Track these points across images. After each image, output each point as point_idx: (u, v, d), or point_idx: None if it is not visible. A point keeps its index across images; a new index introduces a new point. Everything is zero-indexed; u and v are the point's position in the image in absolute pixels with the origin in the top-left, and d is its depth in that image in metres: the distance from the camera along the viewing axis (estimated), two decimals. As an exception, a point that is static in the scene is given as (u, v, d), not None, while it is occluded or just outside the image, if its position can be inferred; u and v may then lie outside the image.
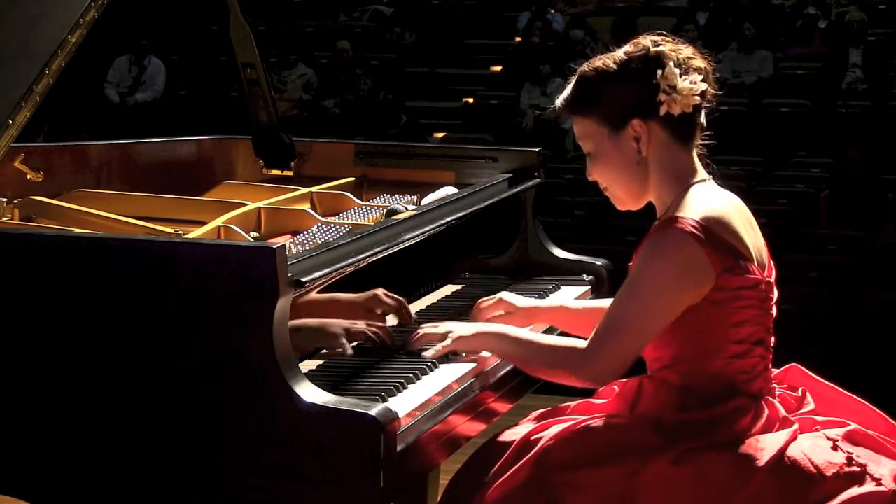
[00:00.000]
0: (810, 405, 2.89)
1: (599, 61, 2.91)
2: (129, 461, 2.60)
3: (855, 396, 2.96)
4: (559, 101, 2.96)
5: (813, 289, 8.51)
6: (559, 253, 3.82)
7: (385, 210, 3.49)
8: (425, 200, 3.63)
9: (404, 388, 2.75)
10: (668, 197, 2.87)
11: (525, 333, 2.95)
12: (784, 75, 11.89)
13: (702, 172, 2.90)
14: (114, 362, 2.60)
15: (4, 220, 3.31)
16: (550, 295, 3.55)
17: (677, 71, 2.84)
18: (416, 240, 3.16)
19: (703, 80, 2.86)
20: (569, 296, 3.57)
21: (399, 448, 2.53)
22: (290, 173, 4.03)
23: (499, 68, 13.18)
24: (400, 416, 2.56)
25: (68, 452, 2.63)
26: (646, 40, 2.89)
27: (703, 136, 2.93)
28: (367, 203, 3.67)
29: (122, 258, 2.62)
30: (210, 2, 4.38)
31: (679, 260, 2.75)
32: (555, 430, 2.82)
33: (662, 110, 2.84)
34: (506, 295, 3.17)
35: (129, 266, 2.61)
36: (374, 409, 2.48)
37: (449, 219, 3.35)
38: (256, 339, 2.51)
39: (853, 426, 2.82)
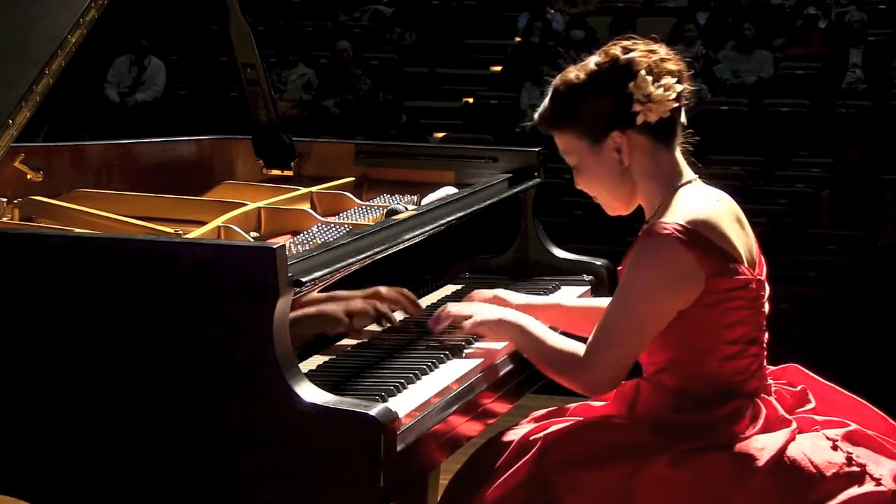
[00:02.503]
0: (811, 403, 2.89)
1: (571, 73, 2.90)
2: (129, 461, 2.59)
3: (855, 396, 2.96)
4: (537, 115, 2.96)
5: (813, 289, 8.52)
6: (559, 253, 3.81)
7: (385, 210, 3.49)
8: (425, 200, 3.63)
9: (404, 387, 2.75)
10: (655, 200, 2.86)
11: (542, 331, 2.94)
12: (784, 75, 11.90)
13: (688, 173, 2.89)
14: (113, 362, 2.59)
15: (4, 220, 3.31)
16: (550, 295, 3.54)
17: (649, 79, 2.80)
18: (416, 240, 3.16)
19: (677, 82, 2.83)
20: (568, 295, 3.56)
21: (399, 448, 2.53)
22: (290, 173, 4.02)
23: (499, 68, 13.19)
24: (400, 415, 2.55)
25: (69, 453, 2.63)
26: (615, 48, 2.86)
27: (685, 135, 2.90)
28: (367, 203, 3.66)
29: (122, 258, 2.62)
30: (210, 2, 4.38)
31: (668, 266, 2.75)
32: (554, 429, 2.83)
33: (639, 120, 2.82)
34: (501, 292, 3.17)
35: (129, 266, 2.61)
36: (374, 409, 2.48)
37: (449, 219, 3.34)
38: (256, 338, 2.51)
39: (853, 426, 2.82)
